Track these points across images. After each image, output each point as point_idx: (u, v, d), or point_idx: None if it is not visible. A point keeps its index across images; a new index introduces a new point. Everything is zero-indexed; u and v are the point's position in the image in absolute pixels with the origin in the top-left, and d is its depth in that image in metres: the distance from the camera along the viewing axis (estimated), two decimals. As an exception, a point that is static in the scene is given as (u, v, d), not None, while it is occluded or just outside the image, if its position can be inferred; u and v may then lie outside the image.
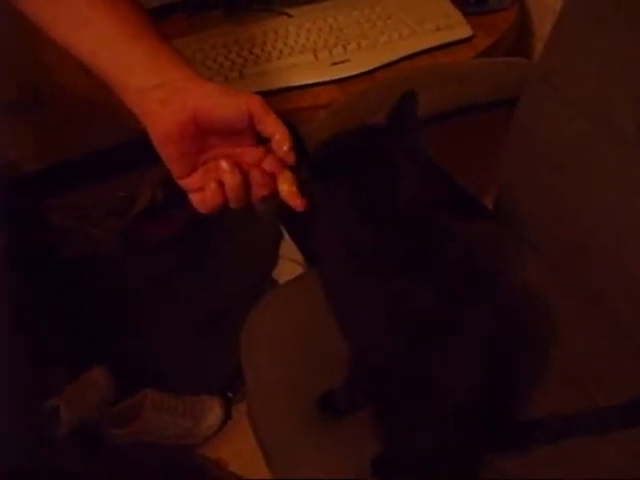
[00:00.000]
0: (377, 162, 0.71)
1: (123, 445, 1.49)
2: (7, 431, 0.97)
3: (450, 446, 0.84)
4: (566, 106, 1.07)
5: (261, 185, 0.73)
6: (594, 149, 1.03)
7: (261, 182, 0.73)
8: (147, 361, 1.56)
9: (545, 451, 0.89)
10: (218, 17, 1.43)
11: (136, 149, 1.64)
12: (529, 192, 1.15)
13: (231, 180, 0.72)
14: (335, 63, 1.26)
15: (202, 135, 0.72)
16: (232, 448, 1.52)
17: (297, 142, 0.73)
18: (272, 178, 0.74)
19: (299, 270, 1.60)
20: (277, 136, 0.72)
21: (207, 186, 0.73)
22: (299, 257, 1.63)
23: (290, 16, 1.38)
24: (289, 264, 1.68)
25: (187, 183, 0.74)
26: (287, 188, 0.73)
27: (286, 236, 1.65)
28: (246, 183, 0.73)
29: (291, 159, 0.73)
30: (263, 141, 0.74)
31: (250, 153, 0.74)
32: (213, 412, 1.54)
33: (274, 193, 0.74)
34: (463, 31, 1.32)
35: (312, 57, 1.27)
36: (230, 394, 1.59)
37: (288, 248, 1.67)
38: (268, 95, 1.16)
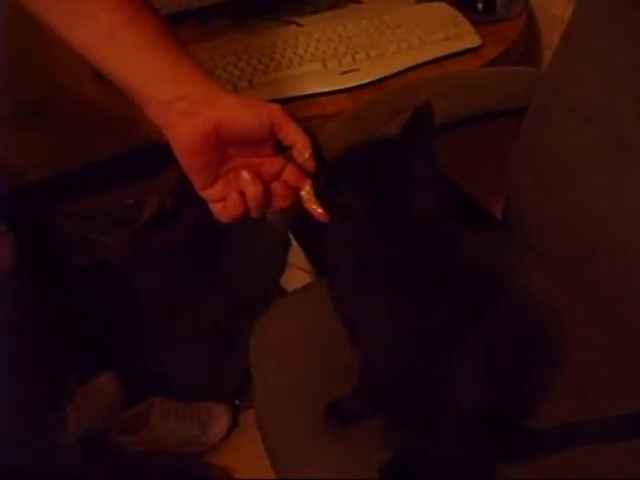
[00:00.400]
0: (393, 173, 0.71)
1: (128, 451, 1.49)
2: (7, 431, 0.98)
3: (459, 455, 0.84)
4: (573, 115, 1.07)
5: (282, 196, 0.75)
6: (601, 158, 1.04)
7: (282, 194, 0.75)
8: (155, 368, 1.56)
9: (552, 460, 0.89)
10: (228, 26, 1.44)
11: (144, 157, 1.66)
12: (537, 201, 1.15)
13: (252, 190, 0.73)
14: (344, 72, 1.27)
15: (223, 146, 0.73)
16: (239, 455, 1.52)
17: (316, 151, 0.74)
18: (292, 190, 0.75)
19: (307, 278, 1.60)
20: (298, 144, 0.73)
21: (229, 196, 0.74)
22: (307, 265, 1.63)
23: (300, 25, 1.39)
24: (297, 272, 1.68)
25: (209, 194, 0.75)
26: (310, 197, 0.74)
27: (294, 244, 1.65)
28: (266, 193, 0.74)
29: (312, 166, 0.74)
30: (280, 150, 0.75)
31: (270, 163, 0.75)
32: (220, 419, 1.54)
33: (293, 204, 0.75)
34: (472, 40, 1.33)
35: (321, 66, 1.27)
36: (237, 402, 1.59)
37: (296, 256, 1.67)
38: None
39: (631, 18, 1.01)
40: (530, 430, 0.92)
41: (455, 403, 0.81)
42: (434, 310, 0.75)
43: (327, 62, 1.27)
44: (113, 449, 1.49)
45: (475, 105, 1.17)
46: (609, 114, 1.02)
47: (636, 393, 0.96)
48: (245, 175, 0.73)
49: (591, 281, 1.07)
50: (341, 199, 0.73)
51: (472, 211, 1.30)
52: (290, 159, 0.74)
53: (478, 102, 1.18)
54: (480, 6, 1.41)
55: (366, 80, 1.26)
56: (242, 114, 0.72)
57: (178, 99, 0.71)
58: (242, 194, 0.74)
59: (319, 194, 0.74)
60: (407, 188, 0.71)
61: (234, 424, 1.57)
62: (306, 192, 0.75)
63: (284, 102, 1.21)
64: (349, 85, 1.25)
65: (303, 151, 0.73)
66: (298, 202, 0.76)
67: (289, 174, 0.75)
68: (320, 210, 0.74)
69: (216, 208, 0.75)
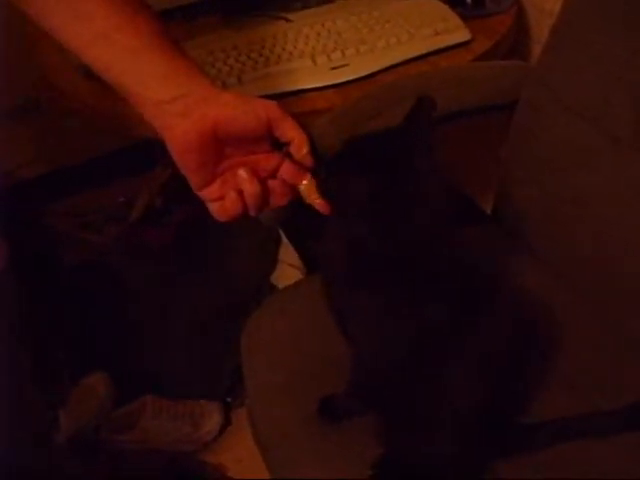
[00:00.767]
0: (395, 165, 0.71)
1: (122, 450, 1.49)
2: (7, 431, 0.97)
3: (454, 453, 0.84)
4: (564, 109, 1.07)
5: (279, 194, 0.75)
6: (593, 152, 1.04)
7: (280, 192, 0.75)
8: (146, 367, 1.56)
9: (546, 454, 0.89)
10: (216, 22, 1.43)
11: (135, 154, 1.65)
12: (528, 196, 1.15)
13: (250, 189, 0.73)
14: (334, 68, 1.26)
15: (220, 145, 0.72)
16: (232, 453, 1.52)
17: (312, 146, 0.74)
18: (290, 187, 0.75)
19: (297, 275, 1.60)
20: (296, 140, 0.73)
21: (227, 195, 0.73)
22: (298, 262, 1.63)
23: (288, 21, 1.38)
24: (288, 268, 1.67)
25: (206, 193, 0.75)
26: (310, 189, 0.74)
27: (285, 240, 1.65)
28: (264, 190, 0.74)
29: (310, 162, 0.74)
30: (277, 147, 0.75)
31: (266, 160, 0.75)
32: (213, 417, 1.54)
33: (290, 201, 0.75)
34: (461, 35, 1.32)
35: (310, 62, 1.26)
36: (229, 399, 1.59)
37: (287, 252, 1.67)
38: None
39: (623, 11, 1.00)
40: (524, 425, 0.92)
41: (449, 401, 0.81)
42: (427, 308, 0.75)
43: (316, 58, 1.27)
44: (106, 448, 1.49)
45: (465, 100, 1.17)
46: (600, 108, 1.02)
47: (628, 387, 0.97)
48: (242, 173, 0.73)
49: (584, 276, 1.07)
50: (345, 185, 0.72)
51: (462, 206, 1.30)
52: (288, 155, 0.74)
53: (468, 97, 1.18)
54: (469, 0, 1.40)
55: (355, 75, 1.25)
56: (239, 111, 0.72)
57: (174, 99, 0.71)
58: (240, 193, 0.73)
59: (321, 184, 0.74)
60: (410, 181, 0.71)
61: (226, 422, 1.56)
62: (305, 185, 0.75)
63: (273, 98, 1.19)
64: (339, 80, 1.25)
65: (301, 147, 0.73)
66: (297, 196, 0.75)
67: (286, 171, 0.75)
68: (321, 201, 0.74)
69: (214, 208, 0.75)
